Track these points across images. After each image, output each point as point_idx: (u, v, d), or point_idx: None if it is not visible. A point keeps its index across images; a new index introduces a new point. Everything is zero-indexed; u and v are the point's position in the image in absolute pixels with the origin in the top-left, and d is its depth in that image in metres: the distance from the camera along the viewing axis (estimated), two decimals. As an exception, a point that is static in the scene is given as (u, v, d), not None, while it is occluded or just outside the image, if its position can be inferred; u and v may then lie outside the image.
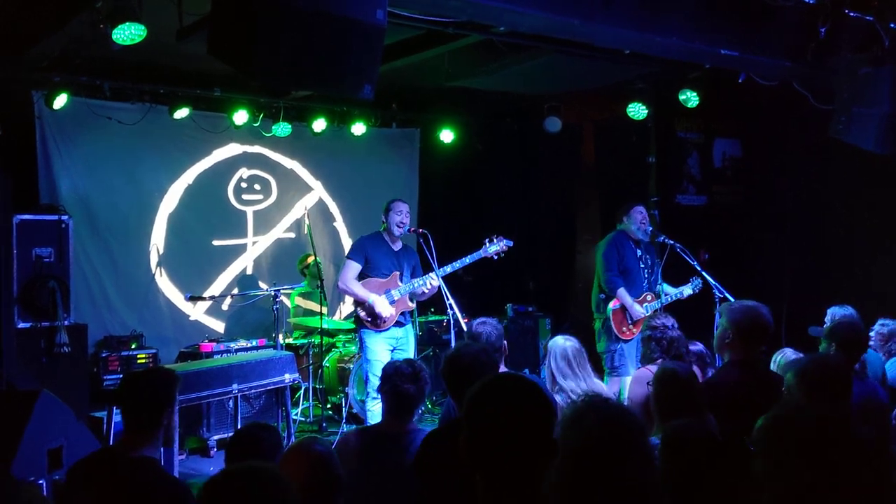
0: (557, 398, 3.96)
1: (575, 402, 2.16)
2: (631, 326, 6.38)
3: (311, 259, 7.66)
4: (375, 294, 5.89)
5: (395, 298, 5.98)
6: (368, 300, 5.86)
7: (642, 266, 6.58)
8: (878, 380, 4.79)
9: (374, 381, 5.67)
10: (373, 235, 6.19)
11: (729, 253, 8.04)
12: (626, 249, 6.54)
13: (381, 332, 5.95)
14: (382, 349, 5.93)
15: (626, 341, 6.37)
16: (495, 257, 6.15)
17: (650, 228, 6.59)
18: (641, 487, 1.79)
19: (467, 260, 6.08)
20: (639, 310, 6.35)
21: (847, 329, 4.15)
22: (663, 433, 2.59)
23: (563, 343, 4.26)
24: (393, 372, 3.48)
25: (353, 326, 7.67)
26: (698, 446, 2.45)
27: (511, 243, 6.18)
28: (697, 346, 4.78)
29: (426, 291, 6.07)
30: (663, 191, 8.40)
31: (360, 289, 5.92)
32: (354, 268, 5.99)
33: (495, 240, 6.15)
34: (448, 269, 6.01)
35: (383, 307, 5.87)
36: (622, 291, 6.36)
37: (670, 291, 6.51)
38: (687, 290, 6.45)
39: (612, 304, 6.41)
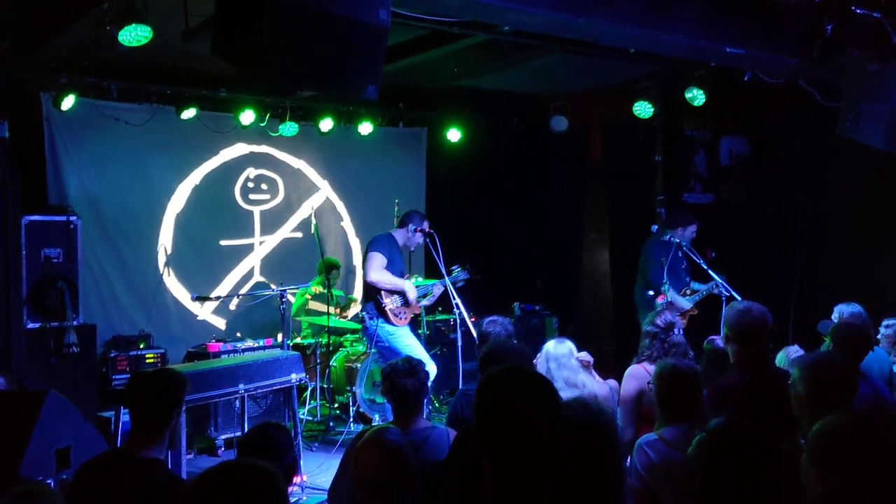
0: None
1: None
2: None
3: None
4: (404, 281, 6.21)
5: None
6: (403, 287, 6.11)
7: (684, 265, 6.98)
8: (885, 379, 4.78)
9: None
10: (388, 236, 6.28)
11: (736, 251, 8.02)
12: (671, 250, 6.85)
13: (401, 326, 6.18)
14: (409, 335, 6.21)
15: None
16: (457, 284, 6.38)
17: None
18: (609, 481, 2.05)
19: (432, 287, 6.39)
20: (683, 302, 6.74)
21: (848, 330, 4.12)
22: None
23: (557, 347, 4.25)
24: (390, 371, 3.56)
25: (359, 326, 7.70)
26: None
27: (468, 275, 6.49)
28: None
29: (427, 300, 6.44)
30: (670, 189, 8.38)
31: (393, 277, 6.06)
32: (382, 260, 6.11)
33: (456, 270, 6.44)
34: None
35: (413, 291, 6.20)
36: (671, 293, 6.68)
37: (701, 287, 6.79)
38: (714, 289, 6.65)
39: (659, 300, 6.59)
